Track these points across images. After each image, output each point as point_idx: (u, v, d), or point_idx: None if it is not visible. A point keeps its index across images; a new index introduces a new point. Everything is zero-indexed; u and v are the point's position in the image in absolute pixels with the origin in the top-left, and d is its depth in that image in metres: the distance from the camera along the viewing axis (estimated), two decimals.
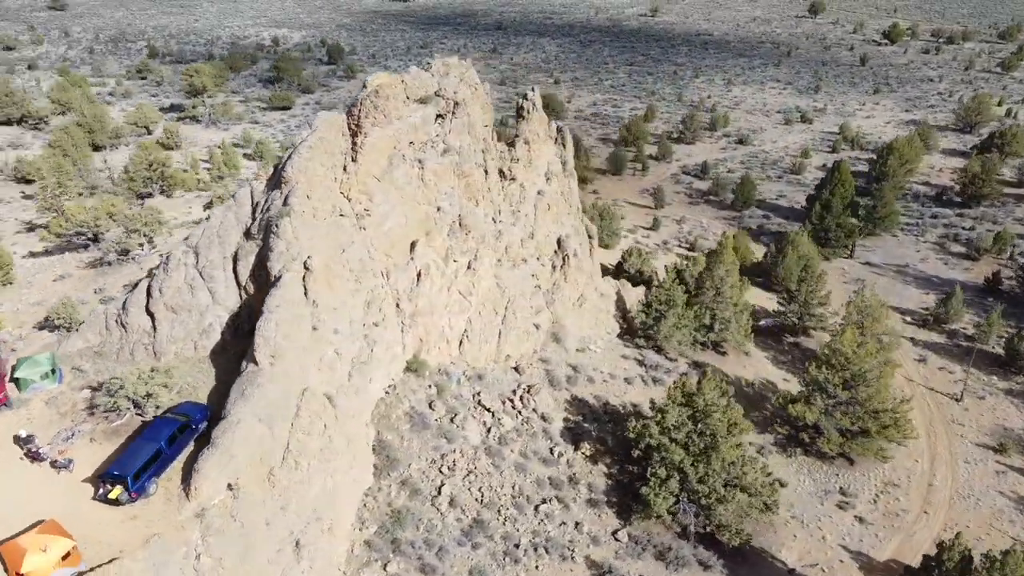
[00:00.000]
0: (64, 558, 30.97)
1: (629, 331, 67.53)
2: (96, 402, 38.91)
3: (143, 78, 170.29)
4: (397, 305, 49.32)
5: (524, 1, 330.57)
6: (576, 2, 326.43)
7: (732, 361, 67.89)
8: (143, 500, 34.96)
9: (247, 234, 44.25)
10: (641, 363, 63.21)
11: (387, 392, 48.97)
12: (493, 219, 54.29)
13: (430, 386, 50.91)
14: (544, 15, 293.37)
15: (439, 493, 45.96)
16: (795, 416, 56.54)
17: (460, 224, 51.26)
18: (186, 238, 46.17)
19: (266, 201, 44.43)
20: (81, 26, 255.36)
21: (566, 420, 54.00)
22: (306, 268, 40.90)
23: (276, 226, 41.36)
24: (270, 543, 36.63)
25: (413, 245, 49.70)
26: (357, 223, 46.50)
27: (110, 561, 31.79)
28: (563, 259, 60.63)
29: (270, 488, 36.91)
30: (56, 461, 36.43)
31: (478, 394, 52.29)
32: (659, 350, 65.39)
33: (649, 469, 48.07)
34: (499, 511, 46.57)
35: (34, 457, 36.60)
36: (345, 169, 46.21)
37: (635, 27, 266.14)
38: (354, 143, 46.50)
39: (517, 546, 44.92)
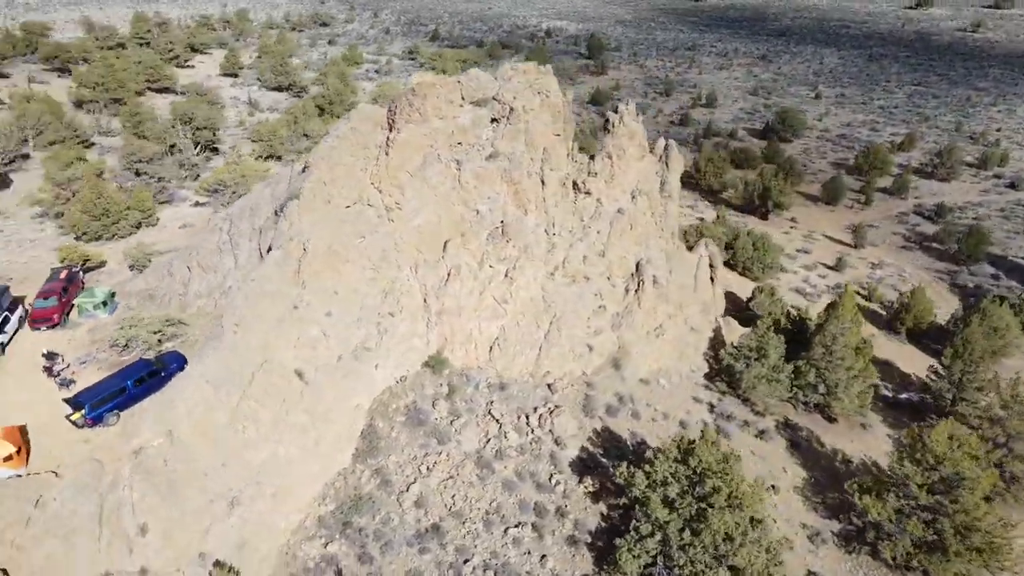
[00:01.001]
0: (6, 460, 36.52)
1: (719, 372, 61.79)
2: (110, 336, 44.90)
3: (412, 59, 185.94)
4: (424, 301, 50.15)
5: (825, 6, 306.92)
6: (885, 12, 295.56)
7: (839, 431, 59.16)
8: (101, 428, 39.94)
9: (276, 211, 47.78)
10: (712, 409, 57.67)
11: (396, 382, 50.10)
12: (546, 231, 52.59)
13: (442, 385, 51.04)
14: (841, 23, 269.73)
15: (407, 490, 46.18)
16: (864, 508, 48.58)
17: (502, 231, 50.47)
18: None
19: (296, 182, 47.60)
20: (390, 8, 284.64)
21: (583, 450, 51.05)
22: (303, 250, 43.27)
23: (285, 206, 44.23)
24: (204, 494, 39.82)
25: (446, 244, 50.02)
26: (386, 215, 47.94)
27: (41, 472, 36.91)
28: (639, 284, 56.95)
29: (212, 444, 40.06)
30: (63, 379, 42.75)
31: (491, 403, 51.39)
32: (746, 401, 59.15)
33: (632, 522, 44.22)
34: (464, 523, 45.55)
35: (49, 372, 43.27)
36: (377, 161, 47.73)
37: (945, 42, 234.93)
38: (389, 138, 47.82)
39: (467, 562, 43.62)
